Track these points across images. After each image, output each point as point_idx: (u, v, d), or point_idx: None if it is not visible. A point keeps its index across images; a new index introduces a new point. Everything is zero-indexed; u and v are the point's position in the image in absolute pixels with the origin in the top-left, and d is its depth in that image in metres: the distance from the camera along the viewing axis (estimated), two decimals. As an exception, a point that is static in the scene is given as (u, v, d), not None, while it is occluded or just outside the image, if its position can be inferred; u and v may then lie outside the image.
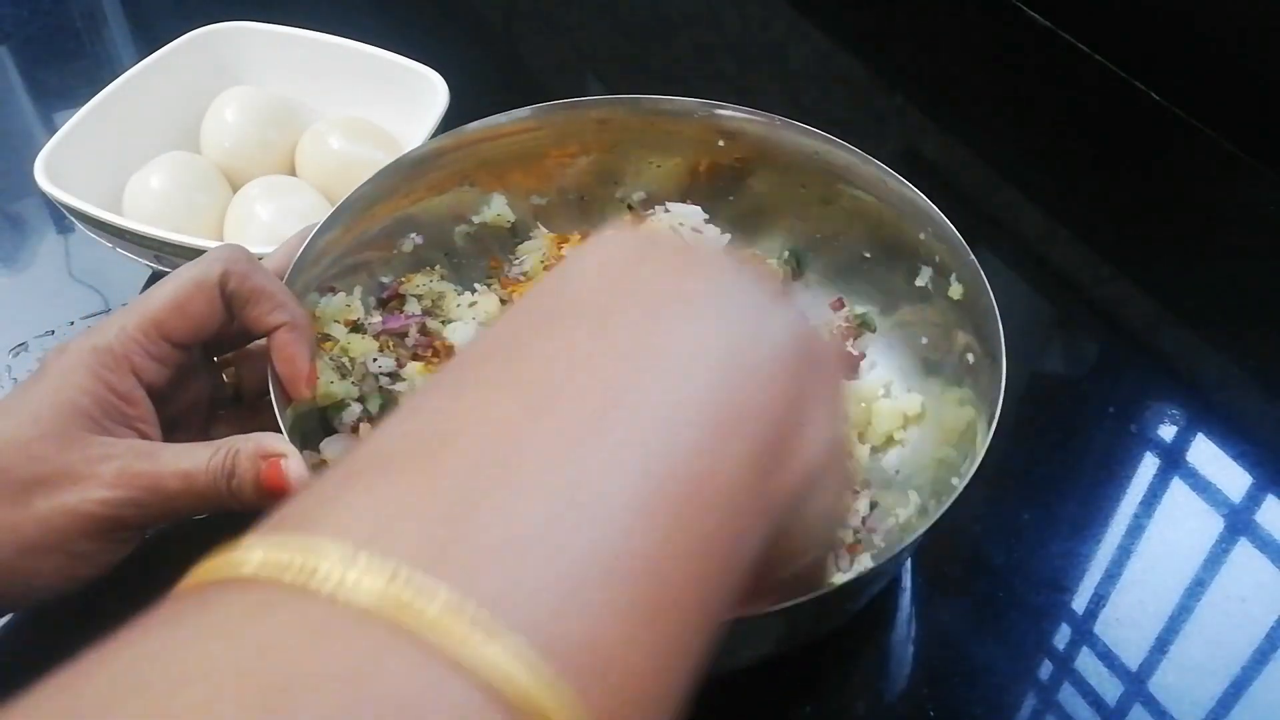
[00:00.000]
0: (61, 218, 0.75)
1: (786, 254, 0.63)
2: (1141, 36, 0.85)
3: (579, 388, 0.22)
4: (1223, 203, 0.79)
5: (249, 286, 0.45)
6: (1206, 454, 0.63)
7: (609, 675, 0.19)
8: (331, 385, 0.52)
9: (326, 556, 0.18)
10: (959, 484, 0.45)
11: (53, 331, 0.69)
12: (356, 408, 0.54)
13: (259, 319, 0.46)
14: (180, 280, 0.45)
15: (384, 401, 0.55)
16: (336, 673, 0.16)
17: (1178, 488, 0.61)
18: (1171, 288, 0.73)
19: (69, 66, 0.92)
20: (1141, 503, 0.60)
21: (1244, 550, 0.58)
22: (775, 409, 0.24)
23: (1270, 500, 0.60)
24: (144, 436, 0.44)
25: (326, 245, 0.55)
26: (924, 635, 0.55)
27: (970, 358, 0.53)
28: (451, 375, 0.23)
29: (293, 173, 0.73)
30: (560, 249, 0.64)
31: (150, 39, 0.79)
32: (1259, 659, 0.53)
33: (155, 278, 0.71)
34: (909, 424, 0.56)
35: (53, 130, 0.69)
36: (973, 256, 0.52)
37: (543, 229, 0.65)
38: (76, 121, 0.69)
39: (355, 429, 0.53)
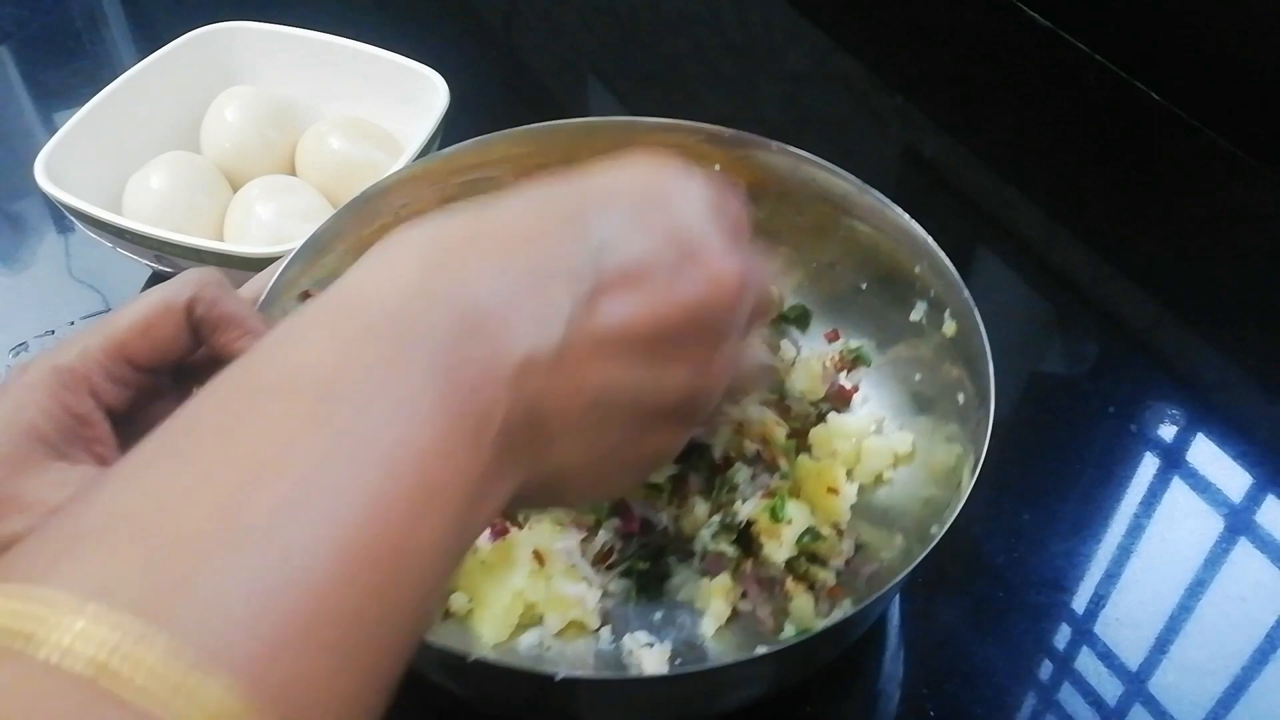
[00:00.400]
0: (61, 217, 0.75)
1: (789, 307, 0.63)
2: (1142, 37, 0.85)
3: (291, 466, 0.24)
4: (1223, 203, 0.79)
5: (218, 312, 0.44)
6: (1206, 454, 0.63)
7: (310, 711, 0.22)
8: None
9: (53, 608, 0.20)
10: (938, 531, 0.44)
11: (53, 331, 0.69)
12: None
13: (228, 345, 0.45)
14: (147, 302, 0.43)
15: None
16: None
17: (1177, 487, 0.61)
18: (1171, 287, 0.73)
19: (69, 66, 0.92)
20: (1141, 502, 0.60)
21: (1244, 550, 0.58)
22: (471, 477, 0.27)
23: (1270, 500, 0.60)
24: (101, 460, 0.42)
25: (295, 276, 0.54)
26: (924, 635, 0.55)
27: (961, 398, 0.52)
28: (171, 442, 0.26)
29: (293, 172, 0.73)
30: None
31: (150, 39, 0.79)
32: (1259, 659, 0.53)
33: (155, 277, 0.71)
34: (899, 463, 0.56)
35: (53, 130, 0.69)
36: (967, 294, 0.51)
37: None
38: (77, 121, 0.69)
39: None
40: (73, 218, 0.65)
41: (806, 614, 0.51)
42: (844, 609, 0.51)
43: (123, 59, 0.93)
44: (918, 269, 0.56)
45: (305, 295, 0.56)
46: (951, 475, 0.51)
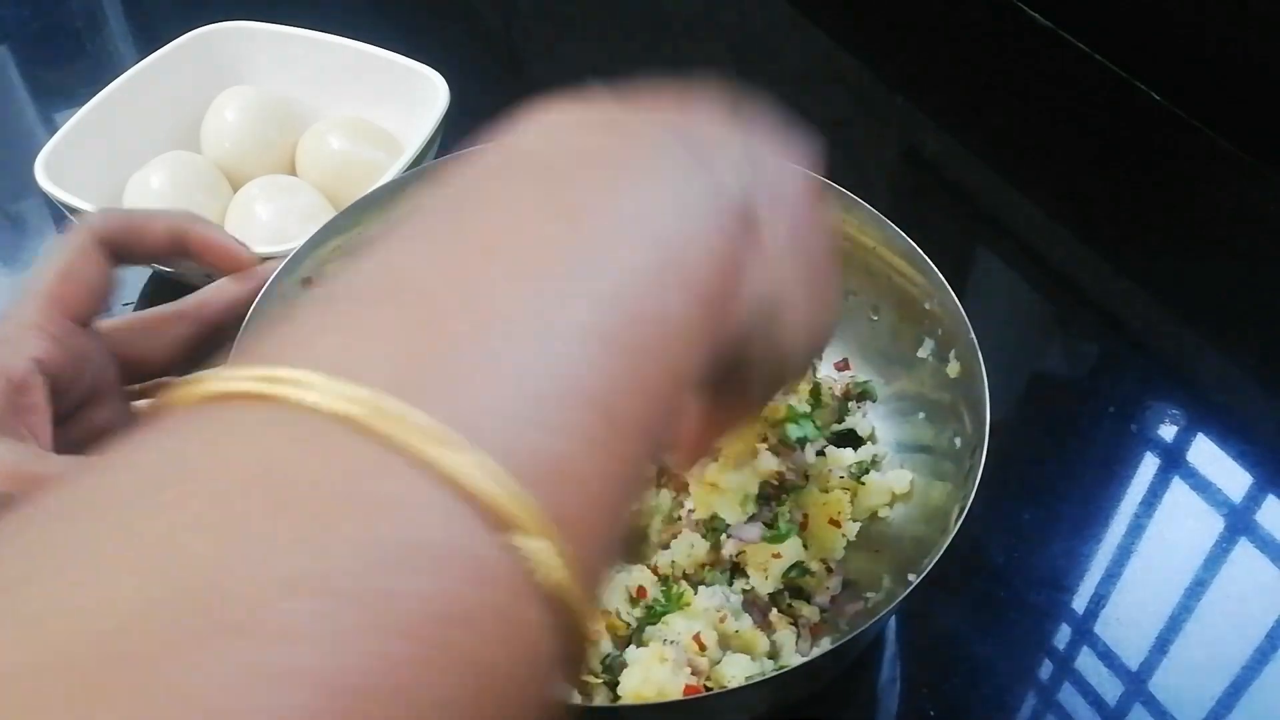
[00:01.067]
0: (62, 217, 0.75)
1: None
2: (1142, 36, 0.85)
3: (533, 238, 0.23)
4: (1223, 203, 0.79)
5: (122, 225, 0.45)
6: (1206, 453, 0.63)
7: (566, 488, 0.20)
8: None
9: (303, 381, 0.18)
10: (914, 579, 0.44)
11: (53, 331, 0.69)
12: None
13: (154, 243, 0.45)
14: (57, 250, 0.44)
15: None
16: (323, 475, 0.18)
17: (1178, 487, 0.61)
18: (1171, 287, 0.73)
19: (69, 66, 0.92)
20: (1142, 502, 0.60)
21: (1244, 550, 0.58)
22: (717, 259, 0.26)
23: (1270, 500, 0.60)
24: (33, 434, 0.42)
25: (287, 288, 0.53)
26: (924, 635, 0.55)
27: (958, 441, 0.52)
28: (402, 229, 0.24)
29: (293, 172, 0.73)
30: None
31: (150, 39, 0.79)
32: (1259, 659, 0.53)
33: (155, 278, 0.71)
34: (896, 501, 0.55)
35: (53, 130, 0.69)
36: (973, 336, 0.51)
37: None
38: (77, 121, 0.69)
39: None
40: (73, 218, 0.65)
41: (788, 649, 0.51)
42: (822, 648, 0.51)
43: (123, 59, 0.93)
44: (928, 305, 0.55)
45: (307, 282, 0.56)
46: (941, 515, 0.50)
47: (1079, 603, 0.56)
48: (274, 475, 0.17)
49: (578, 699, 0.46)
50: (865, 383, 0.60)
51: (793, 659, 0.50)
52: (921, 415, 0.57)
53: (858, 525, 0.54)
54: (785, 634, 0.51)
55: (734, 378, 0.31)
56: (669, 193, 0.26)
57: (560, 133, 0.27)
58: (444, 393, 0.19)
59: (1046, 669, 0.54)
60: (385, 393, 0.18)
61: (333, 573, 0.16)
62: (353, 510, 0.17)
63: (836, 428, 0.59)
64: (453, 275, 0.22)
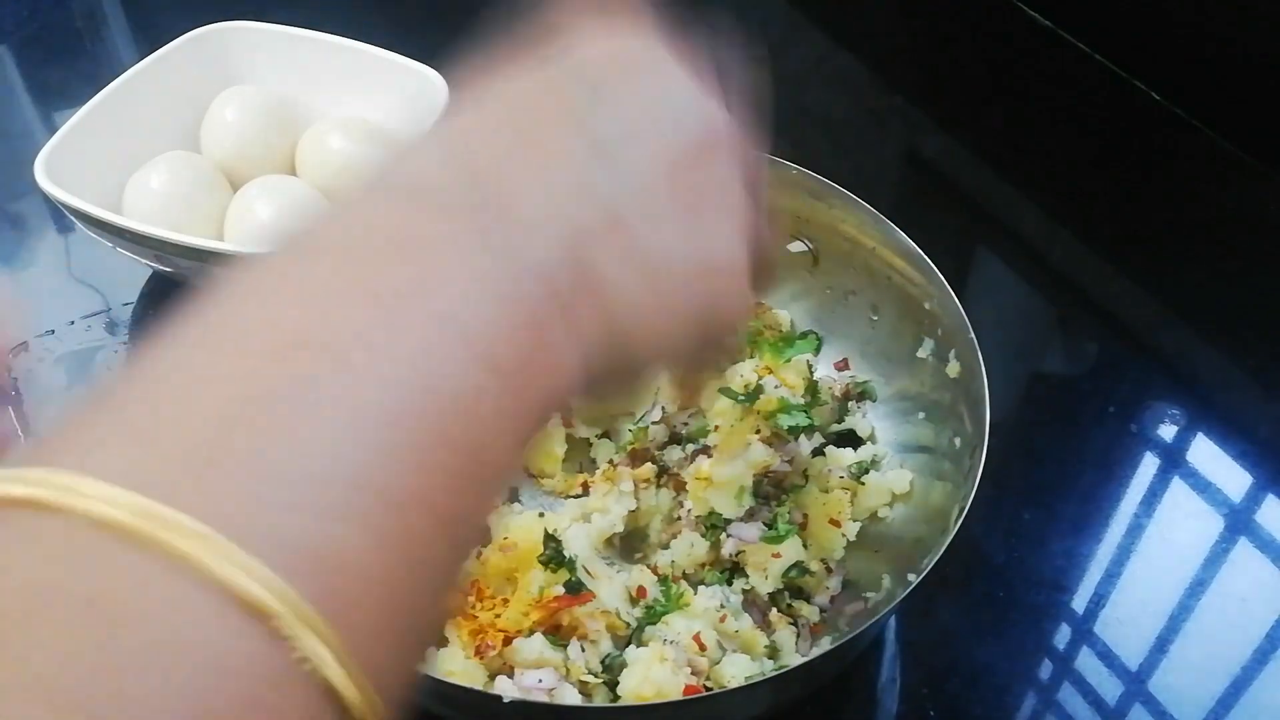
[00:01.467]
0: (61, 217, 0.75)
1: (804, 333, 0.62)
2: (1142, 36, 0.85)
3: (315, 321, 0.23)
4: (1223, 203, 0.79)
5: None
6: (1206, 453, 0.63)
7: (338, 575, 0.20)
8: None
9: (77, 487, 0.19)
10: (914, 579, 0.44)
11: (53, 331, 0.69)
12: None
13: None
14: None
15: None
16: (86, 589, 0.18)
17: (1178, 487, 0.61)
18: (1171, 287, 0.73)
19: (69, 66, 0.92)
20: (1141, 502, 0.60)
21: (1244, 550, 0.58)
22: (518, 324, 0.25)
23: (1270, 500, 0.60)
24: None
25: None
26: (924, 635, 0.55)
27: (958, 441, 0.52)
28: (186, 318, 0.24)
29: (293, 172, 0.73)
30: None
31: (151, 38, 0.79)
32: (1259, 659, 0.53)
33: (155, 277, 0.71)
34: (896, 501, 0.55)
35: (53, 130, 0.69)
36: (973, 335, 0.51)
37: None
38: (77, 121, 0.69)
39: None
40: (73, 217, 0.65)
41: (788, 649, 0.51)
42: (822, 647, 0.51)
43: (123, 59, 0.93)
44: (928, 305, 0.55)
45: None
46: (941, 515, 0.50)
47: (1079, 603, 0.56)
48: (30, 586, 0.18)
49: (577, 699, 0.46)
50: (865, 383, 0.60)
51: (792, 659, 0.50)
52: (921, 415, 0.57)
53: (858, 525, 0.54)
54: (785, 634, 0.51)
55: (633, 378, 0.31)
56: (461, 269, 0.25)
57: (360, 210, 0.26)
58: (204, 487, 0.19)
59: (1046, 669, 0.54)
60: (142, 494, 0.19)
61: (63, 677, 0.17)
62: (96, 616, 0.17)
63: (836, 428, 0.59)
64: (228, 362, 0.22)
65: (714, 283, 0.31)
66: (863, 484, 0.55)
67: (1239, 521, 0.59)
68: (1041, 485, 0.61)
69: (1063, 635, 0.55)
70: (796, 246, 0.62)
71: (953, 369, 0.54)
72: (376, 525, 0.21)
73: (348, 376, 0.22)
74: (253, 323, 0.23)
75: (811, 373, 0.59)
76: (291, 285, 0.24)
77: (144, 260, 0.66)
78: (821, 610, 0.53)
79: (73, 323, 0.70)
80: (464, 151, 0.28)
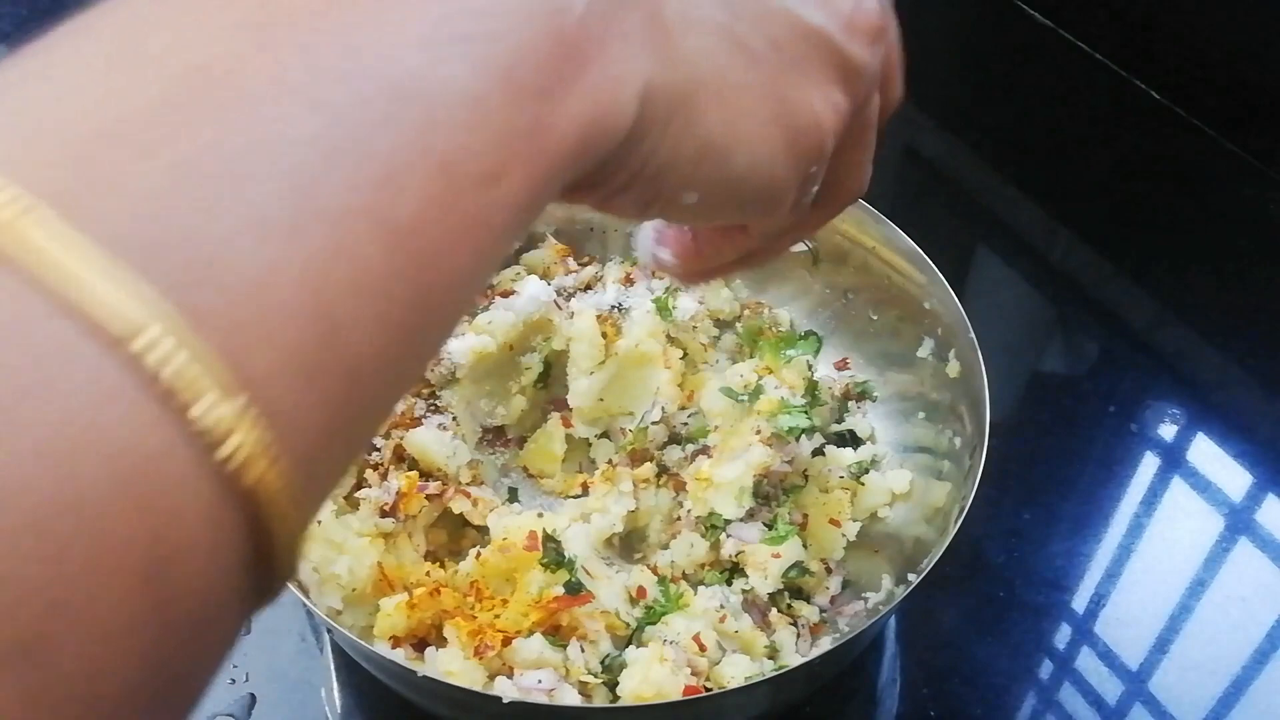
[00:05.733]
0: (61, 217, 0.75)
1: (804, 333, 0.63)
2: (1142, 36, 0.85)
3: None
4: (1223, 202, 0.79)
5: None
6: (1207, 453, 0.63)
7: (224, 286, 0.15)
8: None
9: None
10: (914, 579, 0.44)
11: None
12: None
13: None
14: None
15: None
16: None
17: (1178, 487, 0.61)
18: (1172, 287, 0.73)
19: (69, 66, 0.92)
20: (1142, 502, 0.60)
21: (1244, 549, 0.58)
22: (540, 36, 0.20)
23: (1270, 499, 0.60)
24: None
25: None
26: (924, 635, 0.55)
27: (958, 441, 0.52)
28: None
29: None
30: (564, 260, 0.63)
31: (150, 39, 0.79)
32: (1259, 658, 0.53)
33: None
34: (896, 501, 0.55)
35: (52, 130, 0.69)
36: (973, 335, 0.51)
37: (551, 239, 0.64)
38: (76, 121, 0.69)
39: None
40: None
41: (788, 649, 0.51)
42: (822, 648, 0.51)
43: (122, 59, 0.93)
44: (927, 305, 0.55)
45: None
46: (941, 515, 0.50)
47: (1079, 602, 0.56)
48: None
49: (577, 699, 0.46)
50: (865, 382, 0.60)
51: (792, 659, 0.50)
52: (921, 415, 0.57)
53: (857, 525, 0.54)
54: (785, 634, 0.51)
55: (653, 187, 0.24)
56: None
57: None
58: (79, 177, 0.15)
59: (1046, 669, 0.54)
60: (39, 198, 0.15)
61: None
62: None
63: (836, 427, 0.59)
64: (133, 24, 0.18)
65: (810, 69, 0.25)
66: (862, 484, 0.55)
67: (1239, 521, 0.59)
68: (1041, 485, 0.61)
69: (1063, 635, 0.55)
70: (796, 246, 0.62)
71: (953, 368, 0.54)
72: (307, 243, 0.16)
73: (296, 59, 0.17)
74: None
75: (811, 373, 0.59)
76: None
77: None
78: (821, 610, 0.53)
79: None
80: None
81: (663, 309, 0.60)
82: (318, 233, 0.16)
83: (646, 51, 0.22)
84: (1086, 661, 0.53)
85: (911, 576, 0.46)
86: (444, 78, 0.18)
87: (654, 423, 0.57)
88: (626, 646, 0.49)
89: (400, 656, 0.48)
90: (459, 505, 0.53)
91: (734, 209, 0.28)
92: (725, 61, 0.24)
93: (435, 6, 0.19)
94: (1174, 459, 0.62)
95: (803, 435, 0.55)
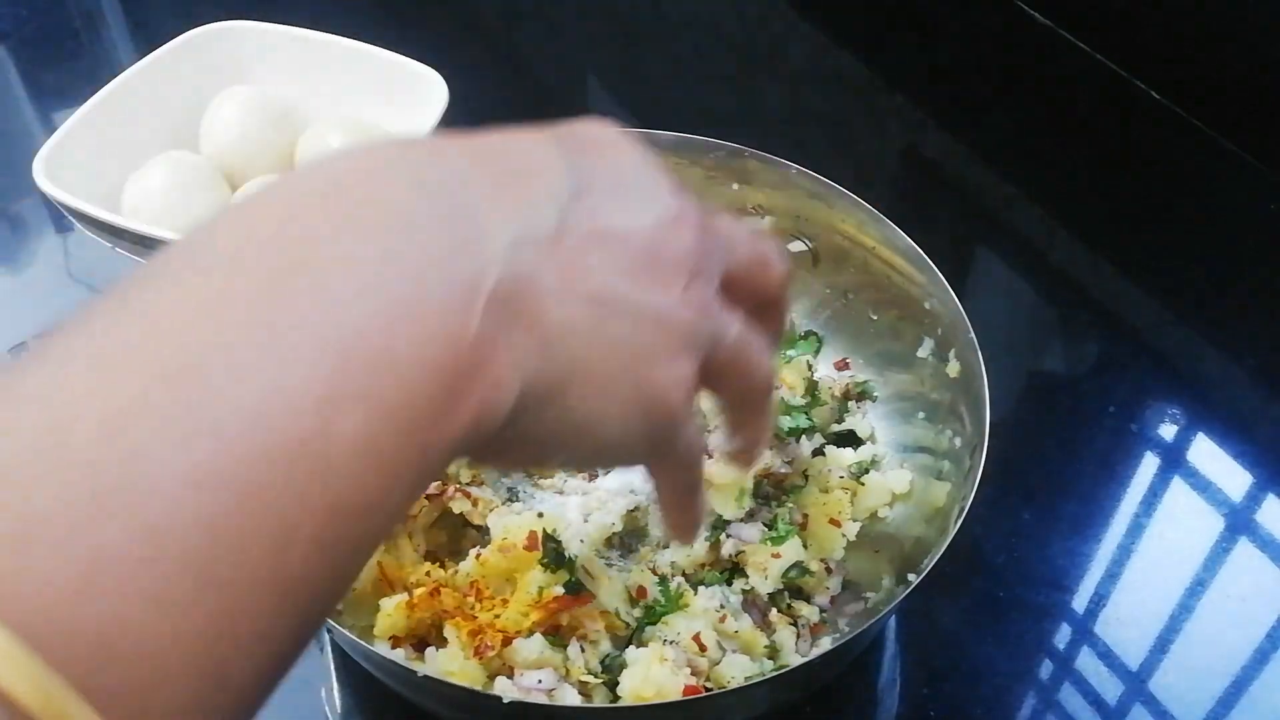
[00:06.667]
0: (60, 217, 0.75)
1: (804, 333, 0.62)
2: (1142, 35, 0.85)
3: (170, 351, 0.20)
4: (1223, 202, 0.79)
5: None
6: (1207, 453, 0.63)
7: (126, 664, 0.18)
8: None
9: None
10: (914, 579, 0.44)
11: (52, 331, 0.69)
12: None
13: None
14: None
15: None
16: None
17: (1178, 487, 0.61)
18: (1172, 287, 0.73)
19: (68, 66, 0.92)
20: (1142, 502, 0.60)
21: (1245, 550, 0.58)
22: (439, 352, 0.23)
23: (1271, 499, 0.60)
24: None
25: None
26: (924, 635, 0.55)
27: (958, 441, 0.52)
28: (52, 333, 0.22)
29: (292, 172, 0.73)
30: None
31: (149, 38, 0.79)
32: (1260, 659, 0.53)
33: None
34: (895, 501, 0.55)
35: (52, 130, 0.69)
36: (973, 335, 0.51)
37: None
38: (75, 121, 0.69)
39: None
40: (71, 217, 0.65)
41: (788, 649, 0.50)
42: (822, 648, 0.50)
43: (121, 58, 0.93)
44: (927, 304, 0.55)
45: None
46: (941, 515, 0.50)
47: (1079, 602, 0.56)
48: None
49: (577, 700, 0.46)
50: (865, 382, 0.60)
51: (792, 659, 0.50)
52: (921, 415, 0.57)
53: (857, 525, 0.54)
54: (785, 634, 0.51)
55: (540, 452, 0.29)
56: (375, 288, 0.22)
57: (268, 219, 0.23)
58: None
59: (1047, 669, 0.54)
60: None
61: None
62: None
63: (836, 428, 0.59)
64: (59, 402, 0.20)
65: (656, 350, 0.30)
66: (862, 484, 0.55)
67: (1239, 521, 0.59)
68: (1042, 485, 0.61)
69: (1063, 635, 0.55)
70: (796, 246, 0.62)
71: (953, 368, 0.54)
72: (203, 612, 0.19)
73: (196, 417, 0.19)
74: (100, 337, 0.21)
75: (811, 373, 0.59)
76: (162, 301, 0.22)
77: (143, 260, 0.66)
78: (821, 610, 0.52)
79: (71, 323, 0.70)
80: (423, 162, 0.26)
81: None
82: (213, 601, 0.19)
83: (528, 357, 0.26)
84: (1086, 661, 0.53)
85: (911, 576, 0.46)
86: (339, 433, 0.21)
87: None
88: (626, 646, 0.49)
89: (400, 656, 0.48)
90: (459, 505, 0.53)
91: (602, 464, 0.37)
92: (595, 355, 0.28)
93: (328, 360, 0.21)
94: (1174, 459, 0.62)
95: (802, 435, 0.55)
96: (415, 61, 0.74)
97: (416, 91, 0.73)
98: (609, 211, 0.29)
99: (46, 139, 0.67)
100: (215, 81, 0.75)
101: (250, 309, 0.21)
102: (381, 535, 0.23)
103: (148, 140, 0.72)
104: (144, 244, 0.63)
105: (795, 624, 0.52)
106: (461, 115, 0.72)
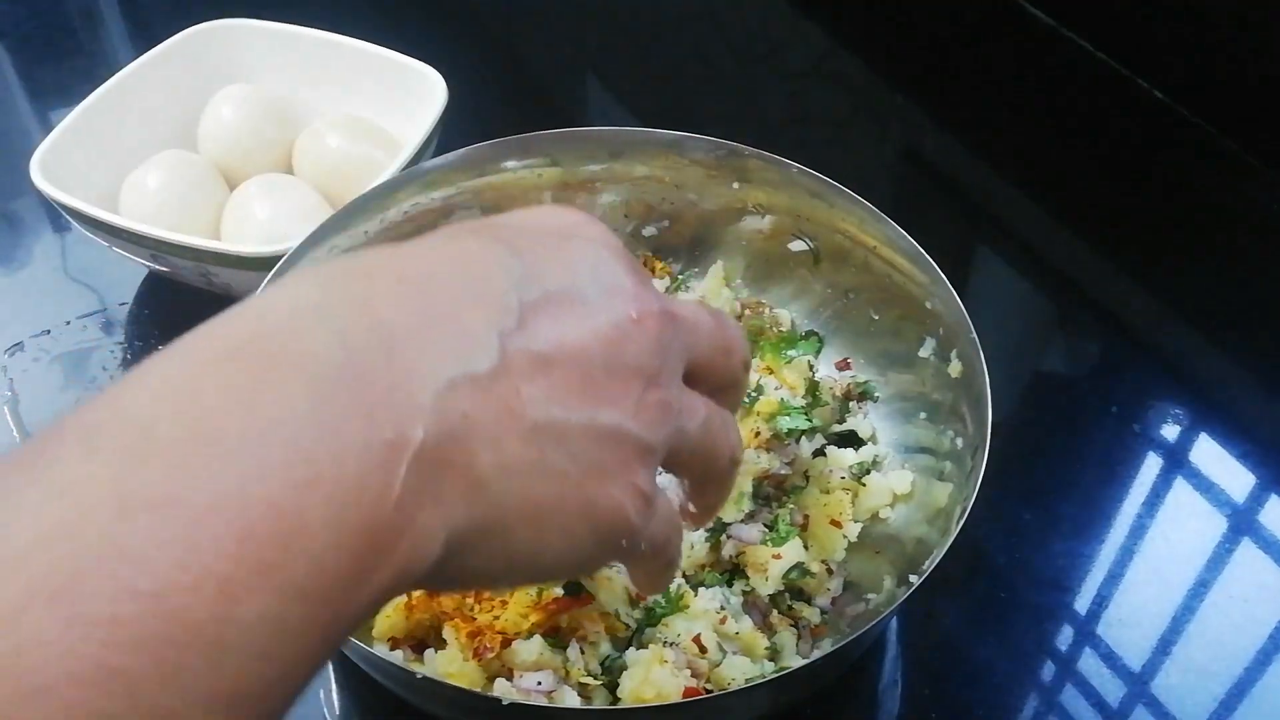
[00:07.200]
0: (58, 216, 0.74)
1: (805, 333, 0.62)
2: (1143, 34, 0.85)
3: (59, 543, 0.20)
4: (1225, 201, 0.79)
5: None
6: (1209, 454, 0.62)
7: None
8: None
9: None
10: (916, 580, 0.44)
11: (49, 331, 0.69)
12: None
13: None
14: None
15: None
16: None
17: (1180, 487, 0.61)
18: (1173, 287, 0.73)
19: (65, 64, 0.91)
20: (1144, 503, 0.60)
21: (1247, 550, 0.58)
22: (364, 514, 0.23)
23: (1273, 500, 0.60)
24: None
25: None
26: (926, 636, 0.55)
27: (960, 441, 0.52)
28: None
29: (290, 171, 0.73)
30: None
31: (147, 36, 0.79)
32: (1262, 660, 0.53)
33: (152, 277, 0.71)
34: (897, 502, 0.55)
35: (49, 128, 0.69)
36: (975, 335, 0.51)
37: None
38: (73, 119, 0.69)
39: None
40: (69, 217, 0.65)
41: (789, 651, 0.50)
42: (823, 649, 0.50)
43: (119, 57, 0.92)
44: (929, 304, 0.55)
45: None
46: (943, 516, 0.50)
47: (1081, 603, 0.56)
48: None
49: (577, 701, 0.46)
50: (866, 382, 0.60)
51: (793, 661, 0.50)
52: (923, 415, 0.56)
53: (859, 526, 0.54)
54: (786, 636, 0.51)
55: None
56: (286, 458, 0.22)
57: (182, 384, 0.23)
58: None
59: (1048, 670, 0.54)
60: None
61: None
62: None
63: (838, 428, 0.58)
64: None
65: (606, 466, 0.29)
66: (864, 485, 0.55)
67: (1242, 522, 0.59)
68: (1043, 485, 0.61)
69: (1065, 636, 0.54)
70: (797, 245, 0.62)
71: (954, 369, 0.53)
72: None
73: (76, 605, 0.19)
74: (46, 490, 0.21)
75: (813, 373, 0.58)
76: (72, 473, 0.21)
77: (140, 260, 0.65)
78: (823, 612, 0.52)
79: (69, 322, 0.69)
80: (348, 310, 0.25)
81: None
82: None
83: (457, 507, 0.25)
84: (1088, 663, 0.53)
85: (913, 578, 0.46)
86: (240, 616, 0.20)
87: None
88: (626, 648, 0.49)
89: (399, 658, 0.48)
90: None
91: (549, 581, 0.38)
92: (533, 491, 0.27)
93: (232, 536, 0.20)
94: (1176, 459, 0.62)
95: (803, 436, 0.55)
96: (415, 61, 0.74)
97: (416, 91, 0.73)
98: (559, 327, 0.28)
99: (43, 138, 0.67)
100: (213, 80, 0.75)
101: (160, 484, 0.21)
102: (285, 708, 0.22)
103: (145, 139, 0.72)
104: (141, 243, 0.63)
105: (796, 625, 0.51)
106: (460, 114, 0.72)
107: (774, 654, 0.50)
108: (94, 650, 0.19)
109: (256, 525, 0.21)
